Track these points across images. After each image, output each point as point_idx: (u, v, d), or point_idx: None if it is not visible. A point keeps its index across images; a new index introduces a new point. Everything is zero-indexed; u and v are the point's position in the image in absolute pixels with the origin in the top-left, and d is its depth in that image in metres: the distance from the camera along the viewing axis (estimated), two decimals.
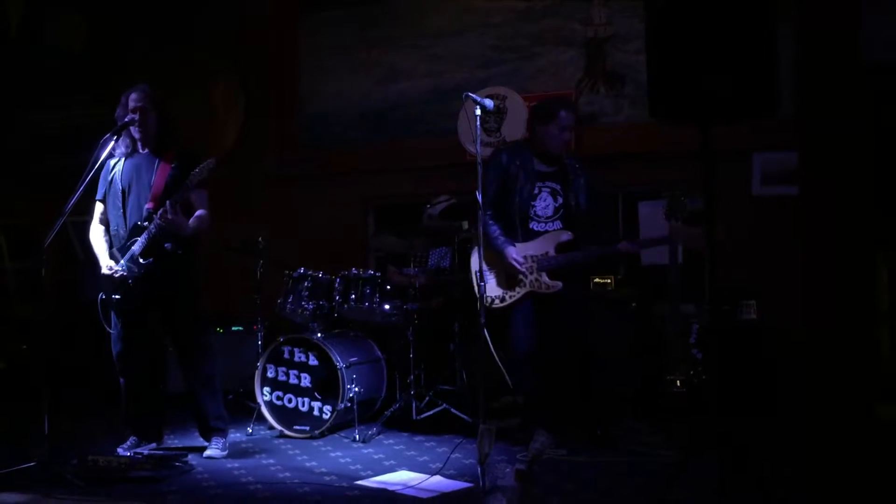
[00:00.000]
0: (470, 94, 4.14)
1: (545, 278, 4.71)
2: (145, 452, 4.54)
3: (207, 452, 4.73)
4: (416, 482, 4.16)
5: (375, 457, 4.73)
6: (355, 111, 7.04)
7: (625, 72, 6.28)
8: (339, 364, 5.13)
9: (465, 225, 5.64)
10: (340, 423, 5.24)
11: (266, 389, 5.32)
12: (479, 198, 4.10)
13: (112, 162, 4.78)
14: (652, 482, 3.89)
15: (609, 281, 5.74)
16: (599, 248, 4.70)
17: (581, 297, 4.81)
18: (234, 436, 5.20)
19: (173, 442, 5.13)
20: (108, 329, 4.78)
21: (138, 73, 4.99)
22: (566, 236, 4.75)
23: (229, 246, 5.90)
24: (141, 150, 4.77)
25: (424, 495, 3.95)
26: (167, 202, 4.51)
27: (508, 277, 4.76)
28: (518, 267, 4.70)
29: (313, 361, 5.24)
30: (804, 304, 5.75)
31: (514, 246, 4.74)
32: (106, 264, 4.71)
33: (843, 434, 4.89)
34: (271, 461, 4.69)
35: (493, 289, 4.76)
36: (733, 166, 5.77)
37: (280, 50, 7.24)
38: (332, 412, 5.13)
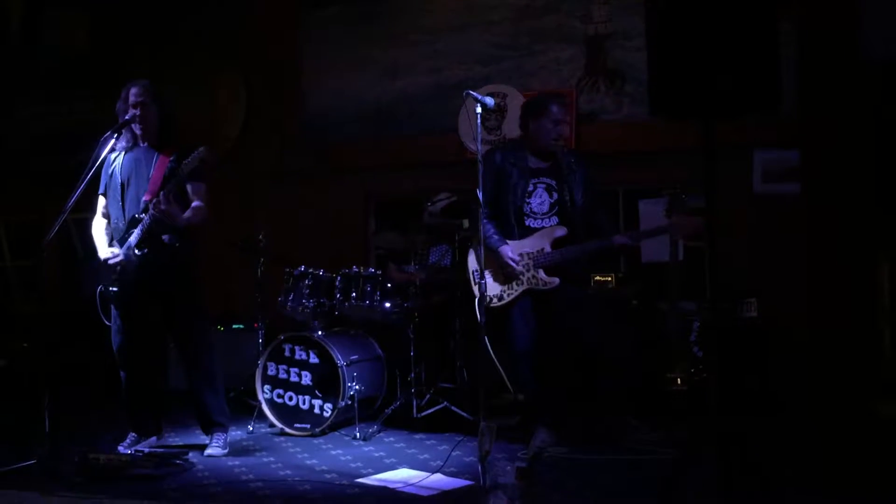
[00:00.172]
0: (471, 91, 4.14)
1: (542, 275, 4.70)
2: (146, 450, 4.54)
3: (208, 451, 4.73)
4: (417, 480, 4.16)
5: (376, 455, 4.73)
6: (356, 108, 7.04)
7: (625, 69, 6.28)
8: (340, 362, 5.13)
9: (466, 223, 5.64)
10: (341, 421, 5.24)
11: (267, 387, 5.32)
12: (480, 196, 4.10)
13: (112, 156, 4.79)
14: (652, 480, 3.89)
15: (610, 278, 5.74)
16: (594, 242, 4.69)
17: (580, 294, 4.80)
18: (235, 434, 5.20)
19: (174, 439, 5.13)
20: (106, 322, 4.78)
21: (139, 71, 4.98)
22: (561, 232, 4.74)
23: (230, 243, 5.90)
24: (141, 144, 4.77)
25: (425, 493, 3.95)
26: (160, 193, 4.52)
27: (505, 276, 4.76)
28: (513, 266, 4.69)
29: (314, 359, 5.24)
30: (805, 301, 5.75)
31: (509, 244, 4.73)
32: (105, 251, 4.73)
33: (843, 431, 4.90)
34: (272, 459, 4.69)
35: (490, 287, 4.75)
36: (734, 164, 5.77)
37: (281, 47, 7.23)
38: (332, 410, 5.13)
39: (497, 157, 4.82)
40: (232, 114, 7.39)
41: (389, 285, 5.48)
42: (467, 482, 4.08)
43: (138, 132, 4.74)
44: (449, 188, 6.08)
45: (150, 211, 4.53)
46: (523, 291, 4.73)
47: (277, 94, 7.26)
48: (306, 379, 5.25)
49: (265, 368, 5.33)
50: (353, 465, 4.50)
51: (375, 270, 5.52)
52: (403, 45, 6.88)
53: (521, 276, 4.72)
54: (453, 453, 4.49)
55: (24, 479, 4.21)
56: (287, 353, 5.31)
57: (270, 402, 5.31)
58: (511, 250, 4.72)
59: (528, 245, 4.75)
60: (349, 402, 5.11)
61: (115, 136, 4.68)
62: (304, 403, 5.24)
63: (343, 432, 5.22)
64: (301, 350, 5.28)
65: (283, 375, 5.30)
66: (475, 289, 4.80)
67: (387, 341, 5.69)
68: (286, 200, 7.07)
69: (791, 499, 3.69)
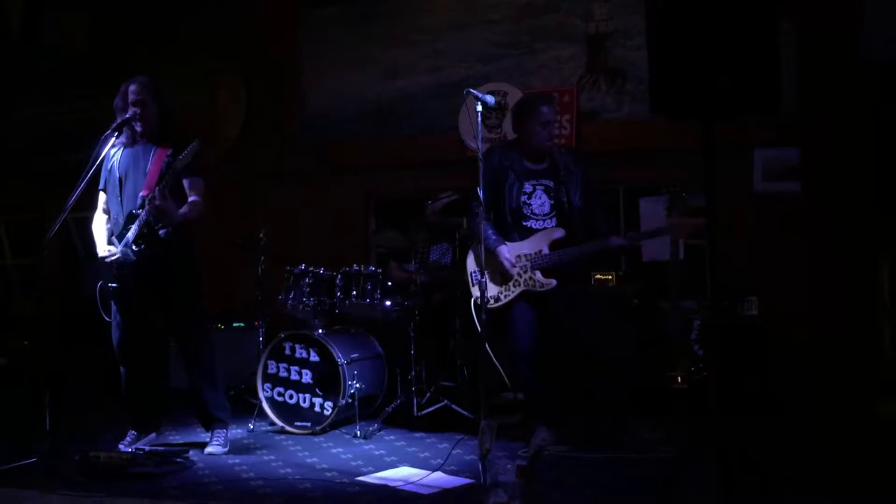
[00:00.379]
0: (471, 90, 4.13)
1: (539, 276, 4.69)
2: (146, 448, 4.54)
3: (208, 449, 4.73)
4: (418, 478, 4.16)
5: (376, 453, 4.74)
6: (356, 107, 7.05)
7: (626, 68, 6.28)
8: (341, 360, 5.13)
9: (465, 222, 5.64)
10: (341, 420, 5.24)
11: (267, 385, 5.32)
12: (481, 194, 4.10)
13: (112, 151, 4.79)
14: (652, 478, 3.89)
15: (610, 277, 5.74)
16: (591, 244, 4.68)
17: (579, 294, 4.79)
18: (236, 432, 5.20)
19: (174, 437, 5.14)
20: (106, 318, 4.78)
21: (139, 71, 4.98)
22: (558, 233, 4.73)
23: (231, 242, 5.91)
24: (140, 140, 4.77)
25: (425, 491, 3.95)
26: (156, 188, 4.52)
27: (502, 277, 4.75)
28: (508, 267, 4.68)
29: (314, 358, 5.24)
30: (805, 300, 5.76)
31: (506, 245, 4.73)
32: (103, 248, 4.73)
33: (843, 431, 4.90)
34: (272, 457, 4.69)
35: (488, 288, 4.73)
36: (735, 163, 5.77)
37: (281, 47, 7.24)
38: (333, 408, 5.13)
39: (495, 159, 4.80)
40: (232, 114, 7.39)
41: (390, 283, 5.48)
42: (468, 480, 4.08)
43: (139, 129, 4.74)
44: (449, 187, 6.08)
45: (147, 206, 4.54)
46: (521, 292, 4.72)
47: (277, 94, 7.26)
48: (307, 377, 5.25)
49: (266, 367, 5.34)
50: (353, 464, 4.50)
51: (376, 269, 5.52)
52: (403, 44, 6.89)
53: (518, 278, 4.71)
54: (454, 451, 4.49)
55: (25, 477, 4.21)
56: (287, 352, 5.31)
57: (271, 401, 5.31)
58: (508, 251, 4.71)
59: (527, 247, 4.74)
60: (349, 401, 5.12)
61: (116, 134, 4.68)
62: (304, 402, 5.24)
63: (343, 430, 5.22)
64: (301, 348, 5.28)
65: (283, 374, 5.30)
66: (473, 290, 4.81)
67: (387, 340, 5.69)
68: (286, 200, 7.07)
69: (791, 498, 3.69)
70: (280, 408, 5.28)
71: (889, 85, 5.64)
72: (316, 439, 5.08)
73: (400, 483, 4.09)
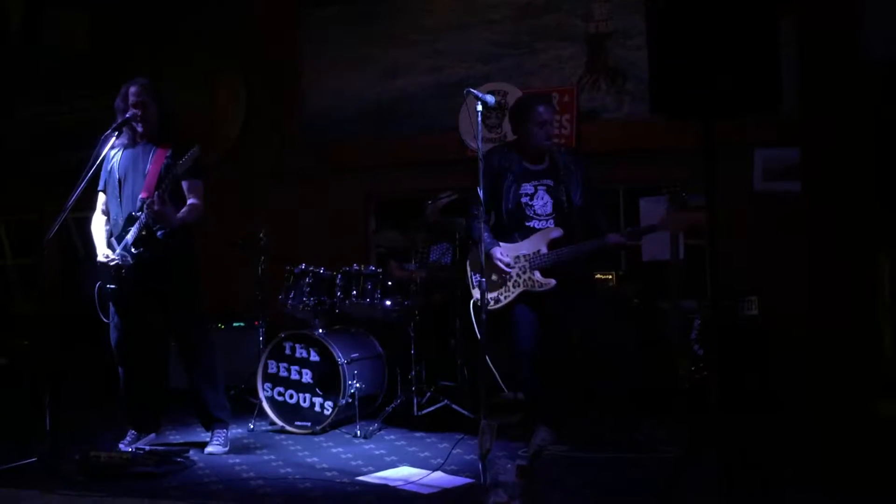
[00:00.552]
0: (471, 90, 4.13)
1: (538, 276, 4.69)
2: (146, 448, 4.54)
3: (209, 449, 4.73)
4: (418, 478, 4.16)
5: (376, 453, 4.74)
6: (356, 107, 7.05)
7: (626, 67, 6.28)
8: (341, 360, 5.13)
9: (465, 221, 5.64)
10: (341, 419, 5.24)
11: (267, 385, 5.32)
12: (481, 194, 4.10)
13: (112, 152, 4.79)
14: (653, 478, 3.89)
15: (610, 277, 5.75)
16: (590, 242, 4.68)
17: (579, 294, 4.78)
18: (236, 431, 5.20)
19: (175, 437, 5.14)
20: (104, 319, 4.79)
21: (140, 70, 4.99)
22: (556, 233, 4.72)
23: (231, 242, 5.91)
24: (140, 142, 4.77)
25: (426, 491, 3.96)
26: (155, 193, 4.52)
27: (500, 278, 4.74)
28: (503, 268, 4.68)
29: (314, 357, 5.24)
30: (806, 300, 5.75)
31: (500, 246, 4.71)
32: (102, 252, 4.73)
33: (843, 431, 4.90)
34: (272, 457, 4.69)
35: (488, 289, 4.73)
36: (735, 162, 5.77)
37: (281, 47, 7.24)
38: (333, 408, 5.13)
39: (494, 160, 4.79)
40: (232, 114, 7.39)
41: (390, 283, 5.48)
42: (468, 480, 4.08)
43: (139, 130, 4.74)
44: (449, 187, 6.08)
45: (145, 210, 4.54)
46: (521, 293, 4.72)
47: (277, 94, 7.26)
48: (307, 377, 5.25)
49: (266, 366, 5.34)
50: (353, 463, 4.50)
51: (376, 269, 5.52)
52: (404, 44, 6.89)
53: (517, 278, 4.70)
54: (454, 451, 4.49)
55: (25, 477, 4.21)
56: (288, 351, 5.31)
57: (271, 400, 5.31)
58: (501, 252, 4.69)
59: (526, 247, 4.74)
60: (350, 400, 5.12)
61: (116, 134, 4.68)
62: (304, 401, 5.24)
63: (343, 430, 5.22)
64: (302, 348, 5.28)
65: (283, 373, 5.30)
66: (474, 292, 4.81)
67: (387, 339, 5.69)
68: (286, 200, 7.07)
69: (791, 498, 3.69)
70: (280, 407, 5.28)
71: (889, 85, 5.64)
72: (316, 439, 5.08)
73: (400, 483, 4.09)
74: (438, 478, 4.16)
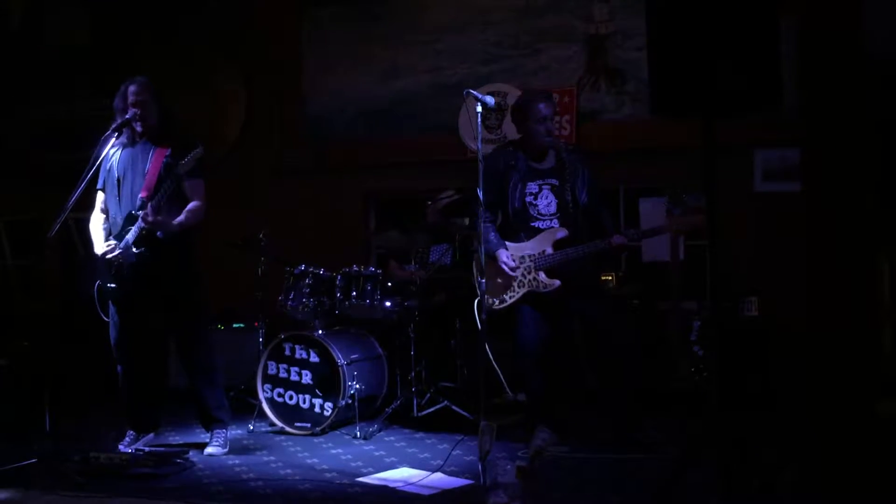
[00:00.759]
0: (471, 90, 4.13)
1: (542, 277, 4.68)
2: (146, 449, 4.55)
3: (208, 450, 4.73)
4: (418, 479, 4.16)
5: (376, 454, 4.73)
6: (356, 108, 7.04)
7: (626, 69, 6.28)
8: (340, 361, 5.13)
9: (467, 221, 5.64)
10: (341, 420, 5.24)
11: (267, 386, 5.32)
12: (481, 195, 4.09)
13: (111, 151, 4.78)
14: (653, 479, 3.89)
15: (610, 278, 5.74)
16: (593, 242, 4.67)
17: (581, 294, 4.77)
18: (235, 432, 5.20)
19: (174, 438, 5.14)
20: (104, 318, 4.78)
21: (140, 69, 4.99)
22: (562, 233, 4.71)
23: (231, 242, 5.90)
24: (139, 140, 4.77)
25: (426, 492, 3.96)
26: (149, 204, 4.50)
27: (504, 280, 4.74)
28: (507, 271, 4.67)
29: (314, 358, 5.24)
30: (806, 301, 5.75)
31: (506, 248, 4.71)
32: (102, 245, 4.72)
33: (843, 431, 4.90)
34: (272, 458, 4.69)
35: (492, 290, 4.73)
36: (735, 163, 5.77)
37: (281, 47, 7.23)
38: (332, 409, 5.13)
39: (499, 160, 4.79)
40: (232, 114, 7.39)
41: (390, 284, 5.48)
42: (468, 481, 4.08)
43: (139, 129, 4.72)
44: (449, 187, 6.09)
45: (142, 214, 4.53)
46: (525, 293, 4.71)
47: (277, 94, 7.26)
48: (307, 378, 5.25)
49: (265, 367, 5.33)
50: (353, 464, 4.50)
51: (376, 269, 5.52)
52: (404, 44, 6.88)
53: (522, 278, 4.70)
54: (454, 452, 4.49)
55: (25, 477, 4.21)
56: (287, 352, 5.31)
57: (271, 401, 5.31)
58: (507, 255, 4.69)
59: (530, 247, 4.73)
60: (349, 401, 5.11)
61: (116, 134, 4.68)
62: (304, 402, 5.24)
63: (343, 431, 5.22)
64: (301, 349, 5.28)
65: (283, 374, 5.30)
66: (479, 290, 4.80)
67: (387, 340, 5.69)
68: (286, 200, 7.06)
69: (791, 499, 3.69)
70: (280, 408, 5.28)
71: (891, 83, 5.63)
72: (316, 440, 5.08)
73: (400, 484, 4.09)
74: (438, 479, 4.16)
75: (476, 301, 4.70)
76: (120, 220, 4.70)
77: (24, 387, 5.89)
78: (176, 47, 7.45)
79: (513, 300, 4.72)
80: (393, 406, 5.35)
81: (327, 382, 5.17)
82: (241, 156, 7.25)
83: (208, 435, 4.86)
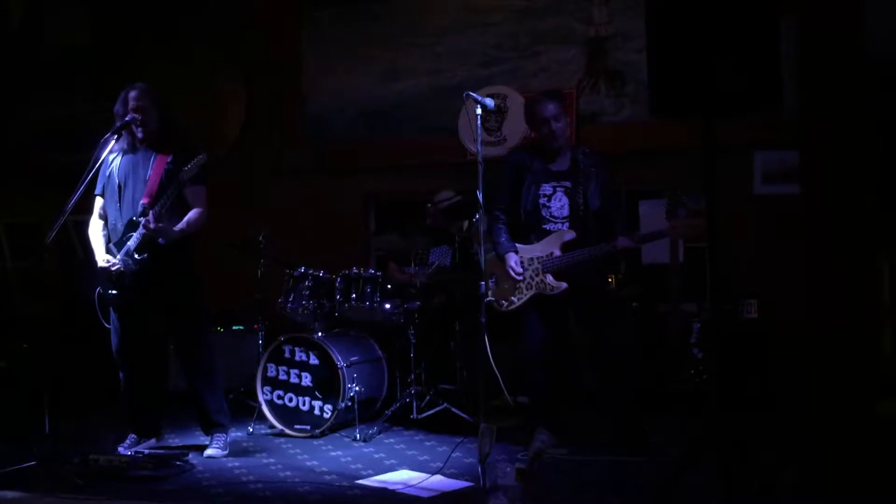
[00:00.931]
0: (471, 93, 4.12)
1: (549, 279, 4.66)
2: (146, 451, 4.54)
3: (208, 452, 4.73)
4: (417, 481, 4.16)
5: (376, 456, 4.73)
6: (356, 108, 7.05)
7: (626, 71, 6.28)
8: (340, 363, 5.13)
9: (466, 224, 5.63)
10: (341, 423, 5.23)
11: (267, 388, 5.32)
12: (480, 197, 4.09)
13: (111, 157, 4.76)
14: (653, 480, 3.89)
15: (610, 280, 5.74)
16: (599, 245, 4.66)
17: (585, 297, 4.76)
18: (235, 435, 5.20)
19: (174, 441, 5.13)
20: (105, 324, 4.77)
21: (140, 70, 4.99)
22: (570, 236, 4.70)
23: (230, 243, 5.90)
24: (139, 147, 4.76)
25: (425, 494, 3.96)
26: (151, 211, 4.49)
27: (511, 283, 4.73)
28: (514, 276, 4.66)
29: (314, 360, 5.24)
30: (806, 302, 5.75)
31: (516, 252, 4.70)
32: (102, 258, 4.70)
33: (843, 431, 4.89)
34: (272, 460, 4.69)
35: (500, 292, 4.73)
36: (734, 165, 5.76)
37: (282, 47, 7.24)
38: (332, 411, 5.13)
39: (516, 160, 4.79)
40: (232, 114, 7.39)
41: (389, 286, 5.48)
42: (467, 483, 4.08)
43: (139, 135, 4.71)
44: (449, 189, 6.08)
45: (141, 228, 4.52)
46: (533, 296, 4.70)
47: (277, 94, 7.26)
48: (306, 380, 5.24)
49: (265, 370, 5.33)
50: (353, 467, 4.50)
51: (375, 272, 5.52)
52: (404, 46, 6.89)
53: (530, 280, 4.68)
54: (453, 455, 4.49)
55: (25, 479, 4.21)
56: (287, 355, 5.30)
57: (270, 404, 5.30)
58: (516, 260, 4.68)
59: (539, 249, 4.71)
60: (349, 404, 5.11)
61: (115, 137, 4.67)
62: (304, 405, 5.23)
63: (343, 434, 5.22)
64: (301, 351, 5.28)
65: (283, 377, 5.30)
66: (489, 293, 4.79)
67: (387, 342, 5.69)
68: (286, 200, 7.07)
69: (791, 500, 3.69)
70: (279, 411, 5.28)
71: (892, 83, 5.63)
72: (315, 442, 5.08)
73: (399, 486, 4.09)
74: (438, 481, 4.15)
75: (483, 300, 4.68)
76: (120, 227, 4.69)
77: (24, 389, 5.89)
78: (176, 47, 7.45)
79: (521, 302, 4.71)
80: (393, 408, 5.35)
81: (327, 385, 5.17)
82: (241, 156, 7.25)
83: (208, 438, 4.85)
